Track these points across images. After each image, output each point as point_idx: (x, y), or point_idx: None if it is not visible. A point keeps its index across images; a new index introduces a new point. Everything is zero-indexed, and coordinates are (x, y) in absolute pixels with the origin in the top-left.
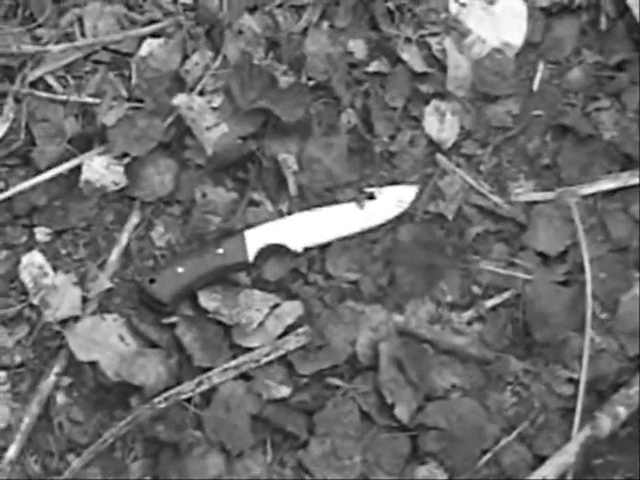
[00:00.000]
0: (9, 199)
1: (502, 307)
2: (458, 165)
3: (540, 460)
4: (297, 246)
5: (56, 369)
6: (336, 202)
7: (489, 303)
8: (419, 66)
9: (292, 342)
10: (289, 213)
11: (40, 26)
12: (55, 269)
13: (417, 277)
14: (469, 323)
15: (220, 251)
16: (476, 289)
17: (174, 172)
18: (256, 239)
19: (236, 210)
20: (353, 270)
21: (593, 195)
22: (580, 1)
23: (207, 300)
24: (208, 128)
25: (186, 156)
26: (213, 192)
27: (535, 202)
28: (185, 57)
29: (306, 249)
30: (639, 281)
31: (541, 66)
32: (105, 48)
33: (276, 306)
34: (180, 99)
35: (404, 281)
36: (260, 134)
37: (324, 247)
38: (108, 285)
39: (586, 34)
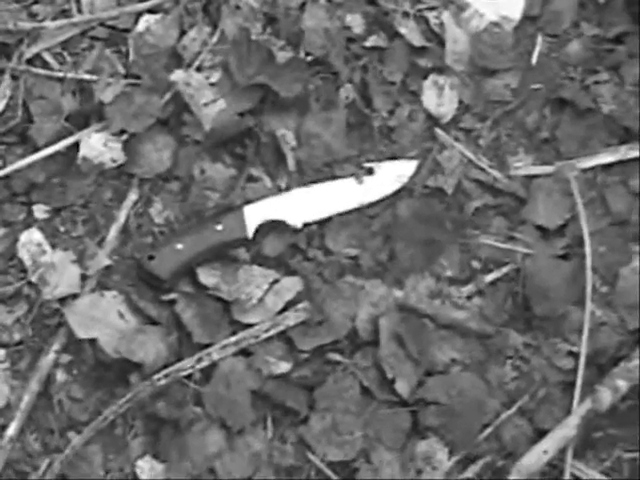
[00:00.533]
0: (7, 177)
1: (502, 281)
2: (457, 139)
3: (540, 434)
4: (296, 222)
5: (55, 347)
6: (335, 177)
7: (489, 277)
8: (417, 40)
9: (292, 318)
10: (288, 189)
11: (36, 2)
12: (54, 247)
13: (417, 252)
14: (469, 297)
15: (219, 227)
16: (475, 263)
17: (172, 148)
18: (255, 215)
19: (235, 186)
20: (352, 245)
21: (592, 169)
22: None
23: (206, 276)
24: (206, 104)
25: (184, 132)
26: (211, 168)
27: (534, 176)
28: (182, 33)
29: (305, 225)
30: (639, 254)
31: (539, 39)
32: (102, 24)
33: (275, 282)
34: (178, 75)
35: (404, 256)
36: (258, 110)
37: (323, 222)
38: (107, 262)
39: (585, 7)
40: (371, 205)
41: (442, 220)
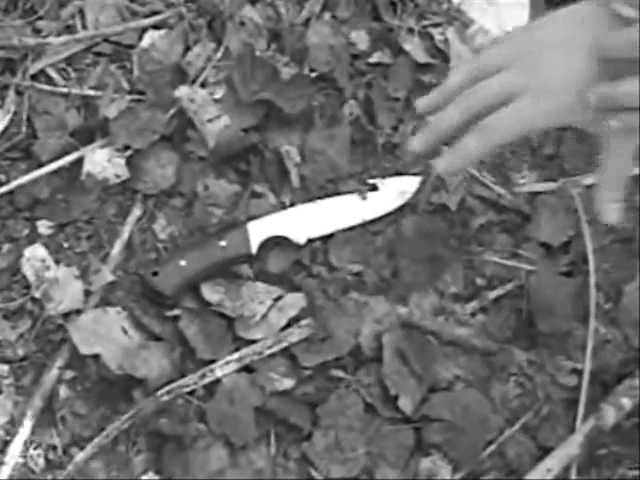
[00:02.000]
0: (11, 192)
1: (505, 298)
2: None
3: (544, 451)
4: (300, 238)
5: (59, 362)
6: (339, 193)
7: (493, 294)
8: (421, 57)
9: (295, 334)
10: (292, 205)
11: (41, 18)
12: (57, 262)
13: (420, 268)
14: (473, 314)
15: (223, 243)
16: (479, 280)
17: (176, 165)
18: (259, 231)
19: (238, 202)
20: (356, 262)
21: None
22: None
23: (210, 292)
24: (210, 120)
25: (188, 148)
26: (215, 184)
27: (538, 193)
28: (187, 49)
29: (309, 240)
30: None
31: None
32: (106, 40)
33: (279, 298)
34: (182, 91)
35: (407, 272)
36: (262, 126)
37: (327, 239)
38: (110, 278)
39: None
40: (374, 221)
41: (446, 237)
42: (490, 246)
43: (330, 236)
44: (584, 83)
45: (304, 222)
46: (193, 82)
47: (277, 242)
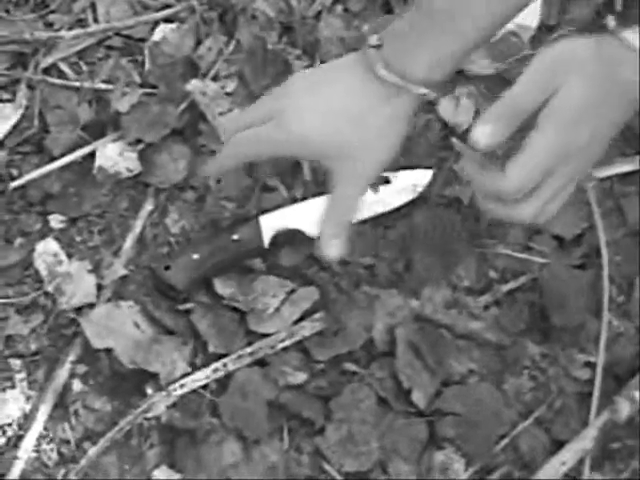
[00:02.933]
0: (23, 186)
1: (518, 291)
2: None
3: (558, 445)
4: (313, 231)
5: (71, 357)
6: None
7: (505, 287)
8: None
9: (308, 328)
10: (304, 198)
11: (52, 12)
12: (70, 256)
13: (433, 262)
14: (486, 307)
15: (235, 237)
16: (492, 273)
17: (188, 158)
18: (271, 224)
19: (250, 196)
20: (369, 255)
21: (609, 178)
22: None
23: (223, 287)
24: (222, 114)
25: (200, 142)
26: (227, 178)
27: None
28: (198, 42)
29: None
30: None
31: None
32: (118, 34)
33: (292, 292)
34: (194, 84)
35: (420, 266)
36: None
37: None
38: (123, 272)
39: (601, 16)
40: (387, 215)
41: (459, 230)
42: (503, 239)
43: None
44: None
45: (317, 215)
46: (205, 76)
47: (289, 235)
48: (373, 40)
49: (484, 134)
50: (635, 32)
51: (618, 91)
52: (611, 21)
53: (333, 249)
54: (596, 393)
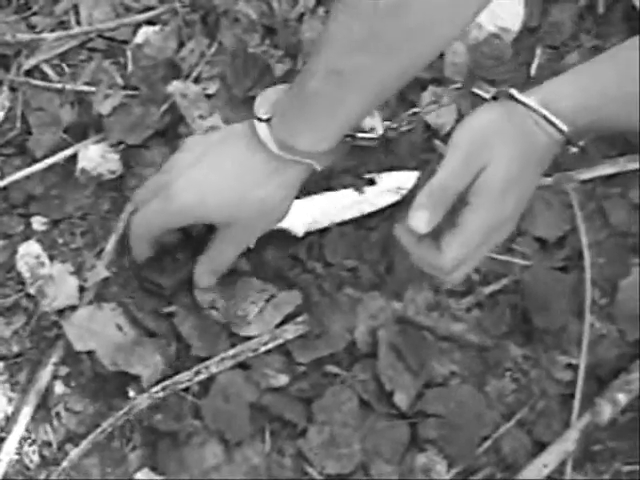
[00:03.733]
0: (5, 188)
1: (501, 293)
2: None
3: (540, 446)
4: (298, 230)
5: (54, 359)
6: (335, 188)
7: (488, 290)
8: None
9: (291, 331)
10: None
11: (35, 14)
12: (52, 258)
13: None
14: (468, 310)
15: None
16: (474, 275)
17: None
18: None
19: None
20: (351, 257)
21: (592, 180)
22: None
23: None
24: (201, 117)
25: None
26: None
27: None
28: (181, 44)
29: (307, 234)
30: (638, 266)
31: (539, 51)
32: (100, 36)
33: (271, 297)
34: (175, 86)
35: (402, 268)
36: None
37: (322, 234)
38: (105, 274)
39: (583, 18)
40: (370, 216)
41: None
42: None
43: (325, 231)
44: None
45: (302, 215)
46: (187, 77)
47: (274, 235)
48: (261, 113)
49: (423, 221)
50: (530, 95)
51: (536, 156)
52: (511, 89)
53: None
54: (578, 395)
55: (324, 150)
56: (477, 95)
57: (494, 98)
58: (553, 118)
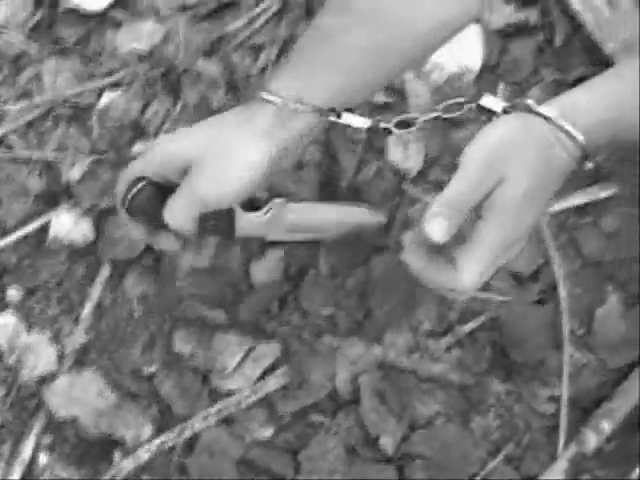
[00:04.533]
0: None
1: (480, 331)
2: (426, 192)
3: None
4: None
5: (36, 429)
6: None
7: (466, 328)
8: (379, 97)
9: (272, 383)
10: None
11: None
12: (29, 327)
13: (393, 307)
14: (448, 349)
15: None
16: (452, 314)
17: None
18: None
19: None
20: (328, 304)
21: (563, 212)
22: (534, 21)
23: (182, 344)
24: None
25: None
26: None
27: None
28: (145, 105)
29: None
30: (613, 293)
31: (501, 87)
32: (65, 102)
33: (251, 349)
34: (139, 148)
35: (380, 312)
36: None
37: (297, 284)
38: (83, 340)
39: (543, 52)
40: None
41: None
42: None
43: (300, 280)
44: None
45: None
46: (155, 136)
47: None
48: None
49: (442, 230)
50: (549, 106)
51: (554, 172)
52: (529, 99)
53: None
54: (563, 426)
55: (291, 96)
56: (486, 109)
57: (507, 111)
58: (574, 131)
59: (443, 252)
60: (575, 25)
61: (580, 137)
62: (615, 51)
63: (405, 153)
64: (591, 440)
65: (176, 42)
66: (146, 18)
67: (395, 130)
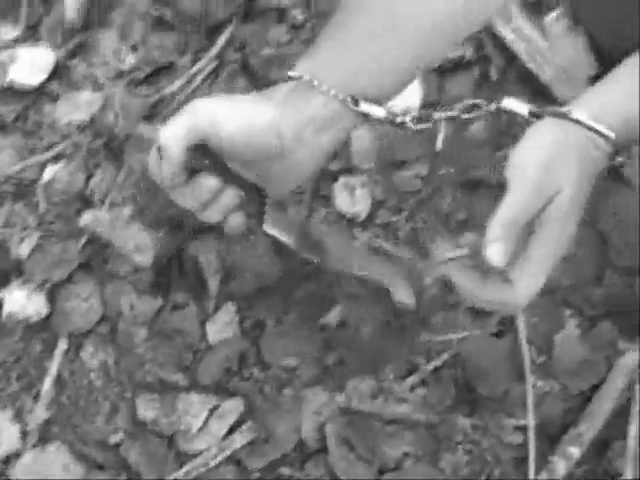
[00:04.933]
0: None
1: (443, 368)
2: (376, 236)
3: None
4: None
5: None
6: None
7: (430, 366)
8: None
9: (238, 440)
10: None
11: None
12: None
13: (362, 360)
14: (412, 389)
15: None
16: (418, 358)
17: (98, 292)
18: None
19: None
20: (290, 355)
21: None
22: (469, 56)
23: (145, 409)
24: (125, 239)
25: (108, 269)
26: (139, 302)
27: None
28: (89, 175)
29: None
30: (570, 318)
31: (442, 125)
32: (9, 179)
33: (215, 408)
34: (86, 219)
35: (350, 363)
36: (178, 238)
37: (255, 338)
38: (45, 415)
39: (480, 86)
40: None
41: (388, 325)
42: (424, 322)
43: (260, 334)
44: None
45: None
46: (102, 205)
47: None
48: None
49: (501, 254)
50: (578, 107)
51: (592, 173)
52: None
53: None
54: (532, 455)
55: (317, 75)
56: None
57: (534, 115)
58: (605, 130)
59: (492, 270)
60: (510, 56)
61: (612, 135)
62: (552, 78)
63: (352, 199)
64: (560, 467)
65: (115, 109)
66: (83, 88)
67: (411, 125)
